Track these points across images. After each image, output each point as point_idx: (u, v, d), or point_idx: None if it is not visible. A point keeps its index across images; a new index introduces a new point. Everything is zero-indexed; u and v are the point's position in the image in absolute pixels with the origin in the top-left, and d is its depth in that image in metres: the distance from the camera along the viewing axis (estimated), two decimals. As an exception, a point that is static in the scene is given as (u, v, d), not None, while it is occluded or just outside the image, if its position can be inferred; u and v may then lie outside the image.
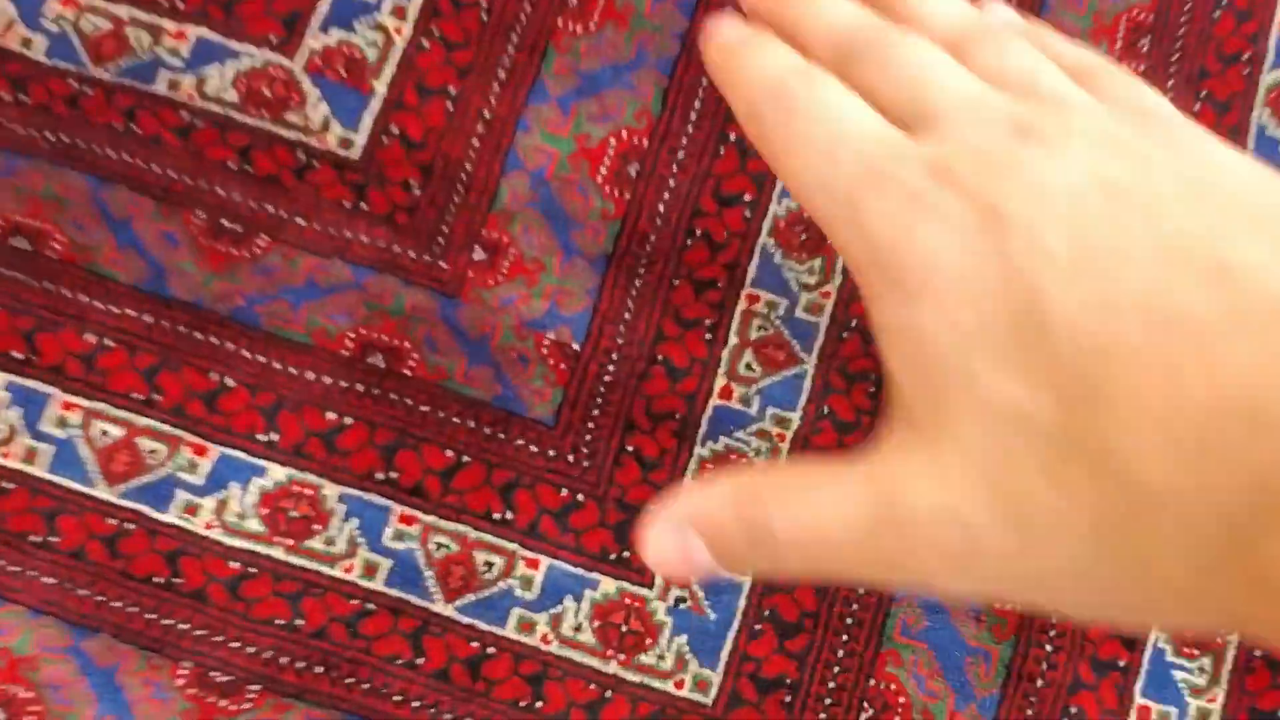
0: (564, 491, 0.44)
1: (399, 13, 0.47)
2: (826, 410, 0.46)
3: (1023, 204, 0.20)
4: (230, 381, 0.44)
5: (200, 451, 0.44)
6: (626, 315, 0.46)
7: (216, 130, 0.46)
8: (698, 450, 0.45)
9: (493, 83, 0.47)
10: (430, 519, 0.44)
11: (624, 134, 0.47)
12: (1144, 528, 0.18)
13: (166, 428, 0.44)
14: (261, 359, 0.44)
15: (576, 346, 0.45)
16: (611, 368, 0.45)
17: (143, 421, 0.43)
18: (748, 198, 0.47)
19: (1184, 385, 0.18)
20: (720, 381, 0.46)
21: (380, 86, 0.47)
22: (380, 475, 0.44)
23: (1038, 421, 0.19)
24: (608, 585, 0.44)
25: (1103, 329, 0.19)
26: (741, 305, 0.46)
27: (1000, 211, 0.20)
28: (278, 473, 0.44)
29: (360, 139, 0.47)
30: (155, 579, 0.43)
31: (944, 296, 0.20)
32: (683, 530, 0.23)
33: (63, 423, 0.43)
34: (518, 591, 0.44)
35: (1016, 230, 0.20)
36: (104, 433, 0.43)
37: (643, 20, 0.48)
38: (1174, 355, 0.18)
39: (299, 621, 0.43)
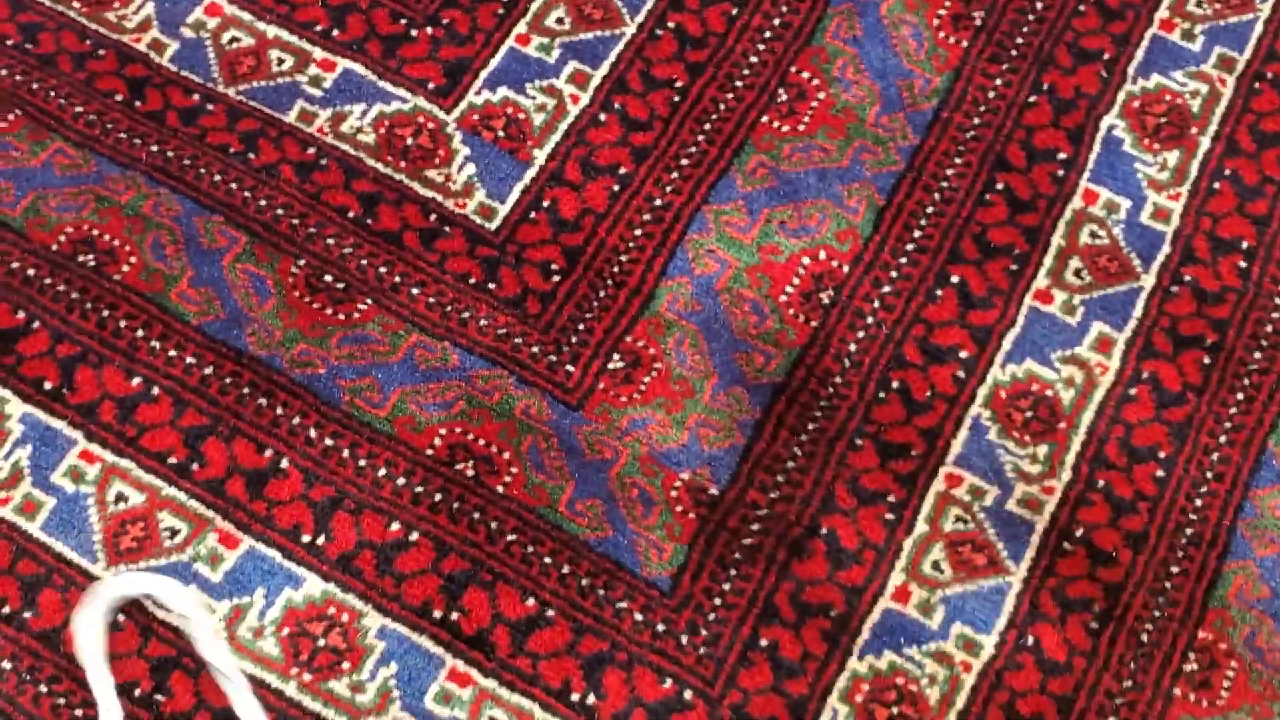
0: (668, 682, 0.34)
1: (579, 79, 0.40)
2: (1030, 641, 0.34)
3: None
4: (286, 464, 0.35)
5: (229, 542, 0.35)
6: (790, 464, 0.36)
7: (343, 173, 0.39)
8: (852, 663, 0.34)
9: (672, 171, 0.39)
10: (489, 683, 0.33)
11: (821, 254, 0.38)
12: None
13: (197, 505, 0.35)
14: (329, 443, 0.36)
15: (715, 491, 0.35)
16: (756, 527, 0.35)
17: (169, 491, 0.35)
18: (963, 355, 0.37)
19: None
20: (897, 578, 0.35)
21: (540, 156, 0.39)
22: (438, 613, 0.34)
23: None
24: (704, 821, 0.32)
25: None
26: (938, 485, 0.36)
27: None
28: (314, 586, 0.34)
29: (504, 209, 0.39)
30: (137, 690, 0.33)
31: None
32: None
33: (77, 475, 0.35)
34: (583, 804, 0.33)
35: None
36: (120, 497, 0.35)
37: (864, 129, 0.40)
38: None
39: (295, 785, 0.33)
